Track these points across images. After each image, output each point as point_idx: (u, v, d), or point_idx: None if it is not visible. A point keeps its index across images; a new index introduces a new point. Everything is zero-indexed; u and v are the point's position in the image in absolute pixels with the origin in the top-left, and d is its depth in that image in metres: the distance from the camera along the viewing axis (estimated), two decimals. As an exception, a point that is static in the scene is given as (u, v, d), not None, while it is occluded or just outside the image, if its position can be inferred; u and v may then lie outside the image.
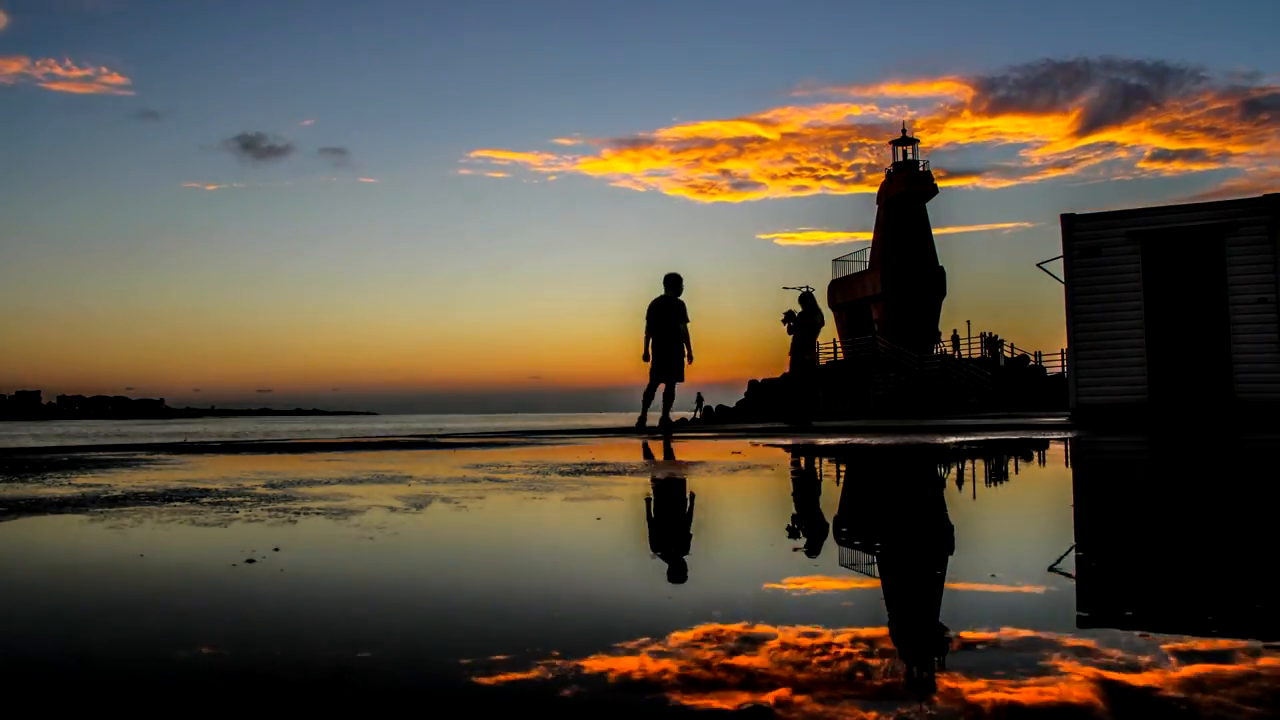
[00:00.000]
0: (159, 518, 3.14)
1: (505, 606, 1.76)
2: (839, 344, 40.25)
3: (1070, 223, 13.90)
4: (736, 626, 1.54)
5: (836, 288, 43.15)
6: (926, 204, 40.98)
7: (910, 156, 42.21)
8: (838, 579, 2.07)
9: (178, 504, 3.54)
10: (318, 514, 3.18)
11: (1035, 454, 6.60)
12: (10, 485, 4.54)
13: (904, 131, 42.43)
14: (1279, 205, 12.81)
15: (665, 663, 1.33)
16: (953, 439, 8.35)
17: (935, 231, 40.67)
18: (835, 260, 43.89)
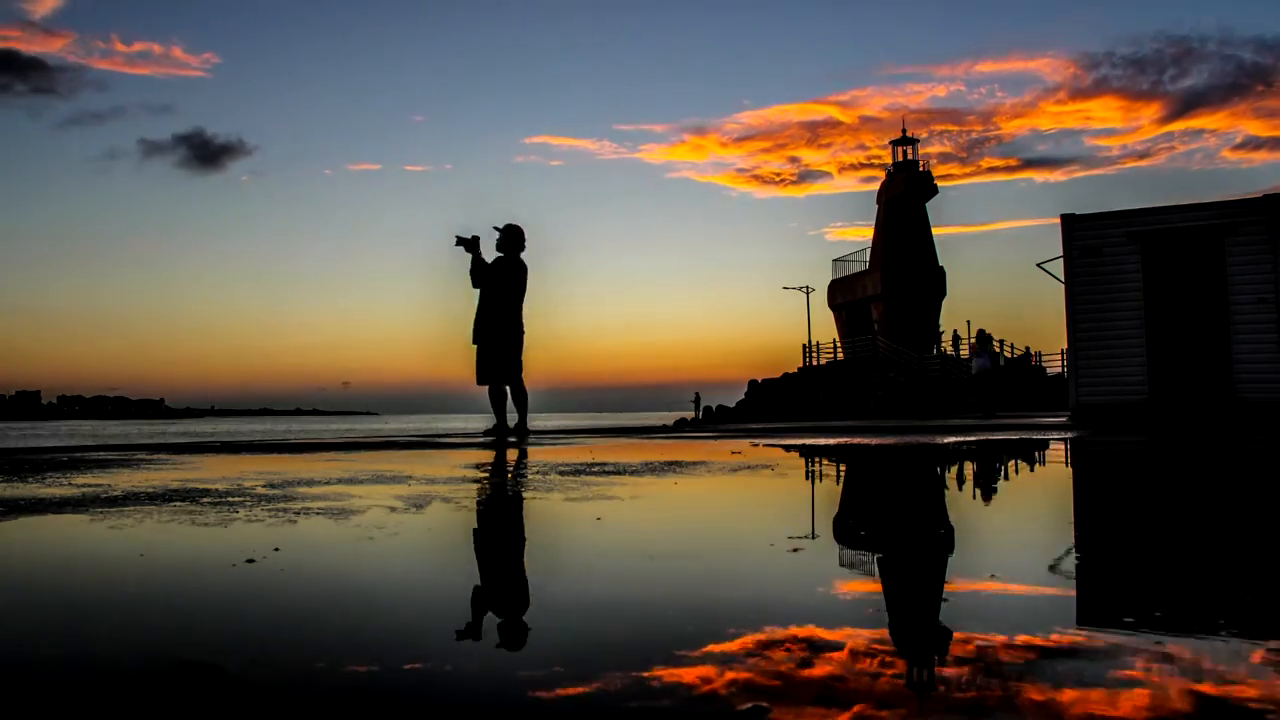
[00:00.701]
0: (159, 518, 3.14)
1: (505, 607, 1.76)
2: (839, 344, 40.23)
3: (1070, 223, 13.91)
4: (747, 632, 1.53)
5: (836, 288, 43.15)
6: (926, 204, 40.98)
7: (910, 156, 42.23)
8: (840, 580, 2.07)
9: (178, 504, 3.54)
10: (318, 514, 3.18)
11: (1036, 454, 6.60)
12: (10, 485, 4.54)
13: (903, 132, 42.41)
14: (1279, 205, 12.81)
15: (665, 664, 1.33)
16: (953, 439, 8.35)
17: (935, 231, 40.64)
18: (835, 260, 43.87)
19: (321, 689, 1.25)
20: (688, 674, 1.27)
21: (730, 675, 1.26)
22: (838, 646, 1.41)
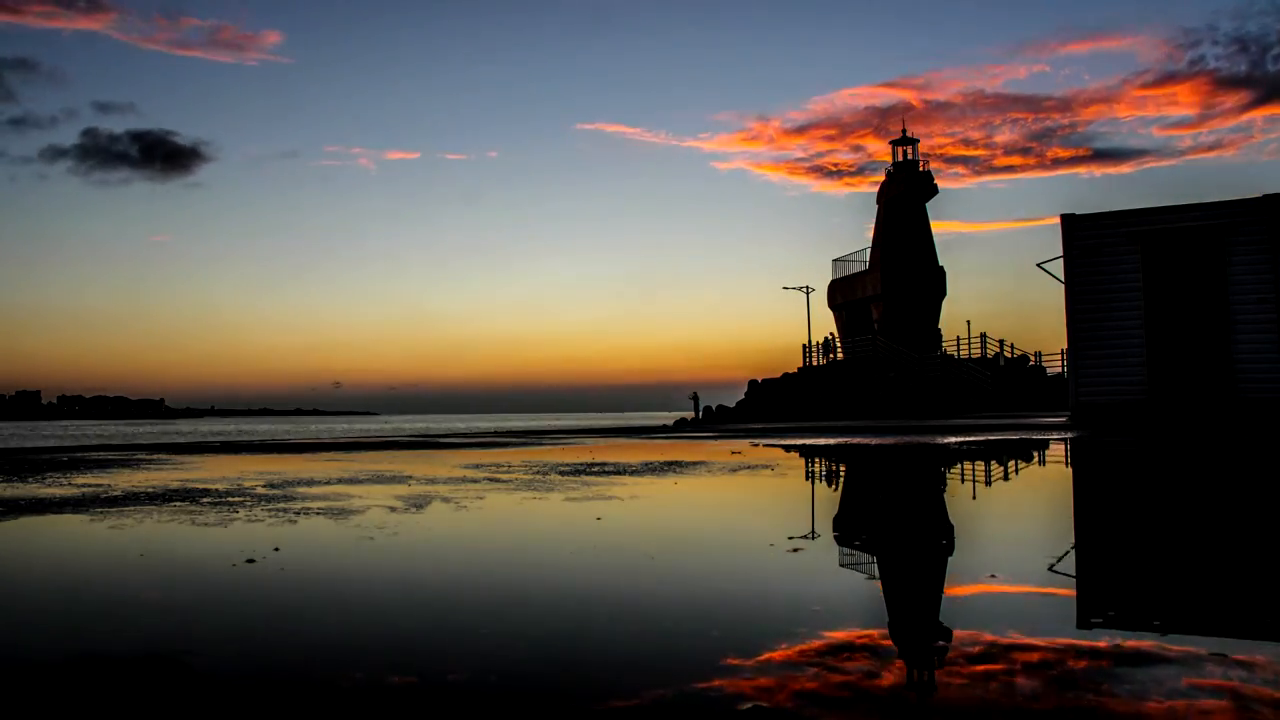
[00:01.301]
0: (159, 518, 3.14)
1: (504, 607, 1.76)
2: (839, 344, 40.24)
3: (1070, 223, 13.91)
4: (742, 634, 1.53)
5: (836, 288, 43.16)
6: (926, 204, 41.01)
7: (910, 156, 42.24)
8: (839, 581, 2.07)
9: (178, 504, 3.54)
10: (317, 514, 3.18)
11: (1034, 455, 6.59)
12: (11, 485, 4.54)
13: (904, 131, 42.40)
14: (1279, 205, 12.81)
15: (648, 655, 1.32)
16: (953, 439, 8.35)
17: (935, 228, 40.57)
18: (835, 260, 43.84)
19: (321, 688, 1.25)
20: (679, 674, 1.28)
21: (722, 679, 1.26)
22: (835, 646, 1.41)
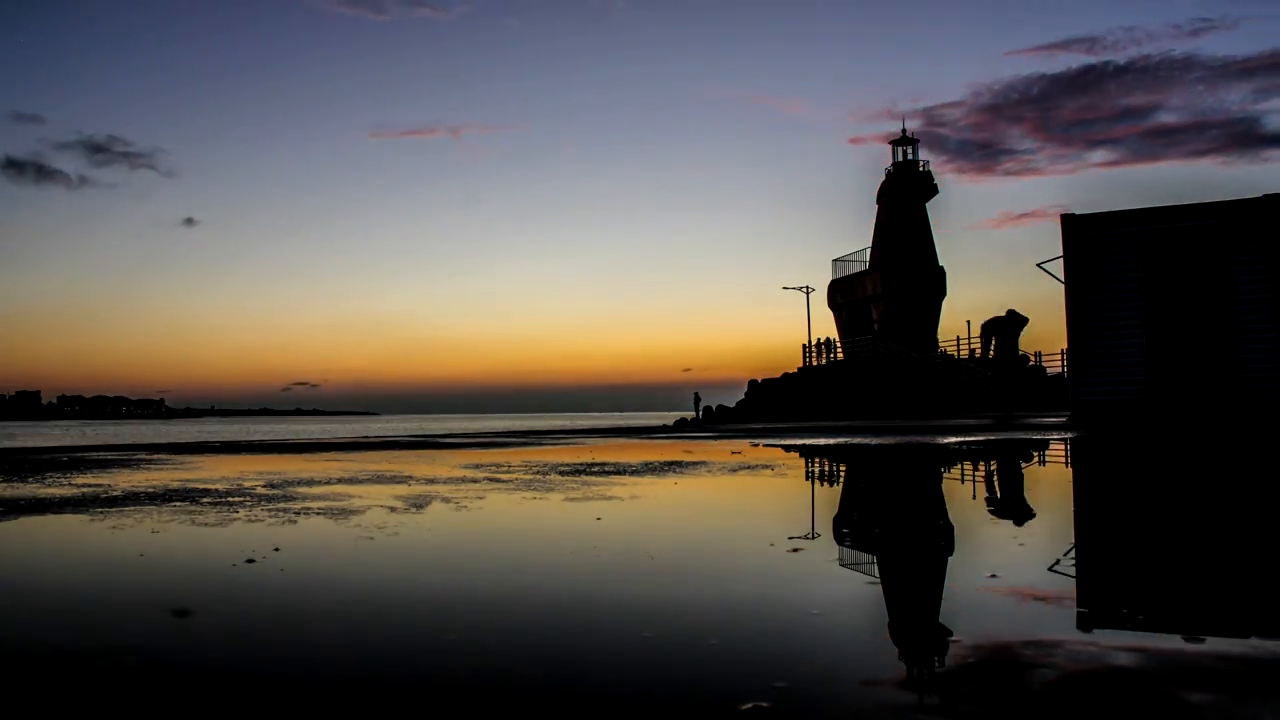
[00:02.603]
0: (159, 518, 3.14)
1: (503, 608, 1.76)
2: (839, 344, 40.24)
3: (1071, 223, 13.92)
4: (737, 632, 1.53)
5: (836, 288, 43.15)
6: (926, 204, 41.00)
7: (910, 156, 42.18)
8: (838, 581, 2.07)
9: (178, 504, 3.54)
10: (318, 514, 3.18)
11: (1033, 456, 6.60)
12: (11, 485, 4.55)
13: (904, 132, 42.37)
14: (1279, 206, 12.82)
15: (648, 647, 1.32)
16: (953, 440, 8.35)
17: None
18: (835, 260, 43.81)
19: (321, 688, 1.25)
20: (679, 672, 1.28)
21: (721, 677, 1.27)
22: (834, 646, 1.42)
